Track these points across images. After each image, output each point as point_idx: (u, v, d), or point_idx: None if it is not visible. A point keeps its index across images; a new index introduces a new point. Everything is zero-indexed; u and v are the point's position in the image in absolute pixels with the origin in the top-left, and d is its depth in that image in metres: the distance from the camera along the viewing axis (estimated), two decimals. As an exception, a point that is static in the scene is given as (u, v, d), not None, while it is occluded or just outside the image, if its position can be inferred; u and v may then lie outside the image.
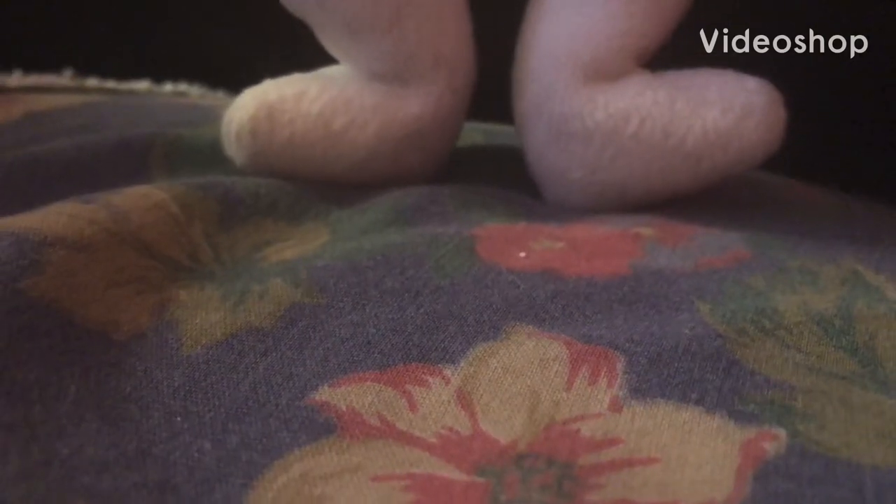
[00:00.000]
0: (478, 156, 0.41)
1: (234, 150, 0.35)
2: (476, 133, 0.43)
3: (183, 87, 0.53)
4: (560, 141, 0.34)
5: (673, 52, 0.36)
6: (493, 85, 0.39)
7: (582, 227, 0.33)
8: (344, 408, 0.23)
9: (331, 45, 0.36)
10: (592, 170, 0.34)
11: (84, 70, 0.53)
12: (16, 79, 0.51)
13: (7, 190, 0.34)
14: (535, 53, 0.35)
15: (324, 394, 0.23)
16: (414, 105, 0.35)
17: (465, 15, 0.36)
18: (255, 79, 0.42)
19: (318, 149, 0.34)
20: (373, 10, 0.33)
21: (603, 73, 0.34)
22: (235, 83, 0.55)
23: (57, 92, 0.50)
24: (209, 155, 0.38)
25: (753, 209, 0.36)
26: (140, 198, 0.31)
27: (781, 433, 0.22)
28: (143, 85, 0.52)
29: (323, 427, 0.22)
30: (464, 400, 0.23)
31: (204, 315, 0.27)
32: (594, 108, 0.33)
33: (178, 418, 0.23)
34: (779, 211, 0.36)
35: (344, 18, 0.34)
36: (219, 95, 0.53)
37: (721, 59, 0.43)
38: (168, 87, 0.53)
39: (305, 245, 0.31)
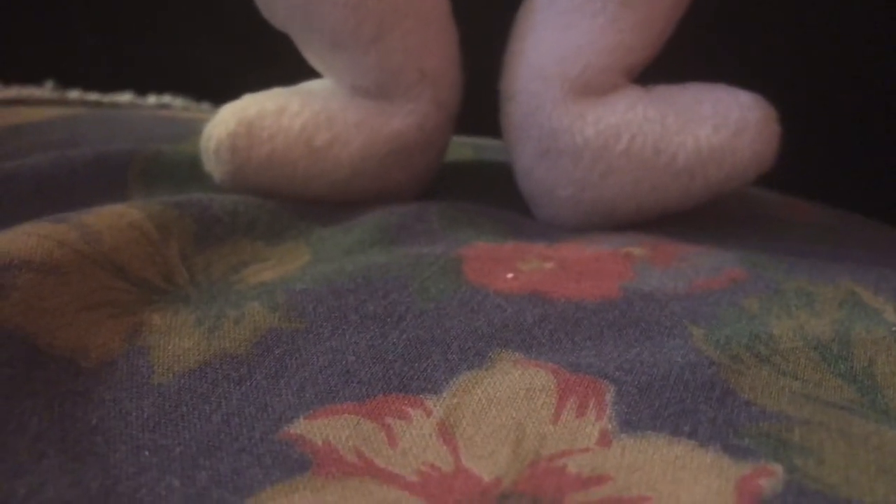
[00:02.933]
0: (466, 171, 0.40)
1: (212, 166, 0.34)
2: (465, 148, 0.42)
3: (166, 99, 0.52)
4: (549, 157, 0.33)
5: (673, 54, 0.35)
6: (482, 98, 0.39)
7: (571, 246, 0.32)
8: (320, 442, 0.22)
9: (314, 60, 0.35)
10: (582, 187, 0.33)
11: (67, 82, 0.52)
12: (-6, 91, 0.50)
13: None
14: (522, 69, 0.34)
15: (299, 427, 0.22)
16: (398, 121, 0.34)
17: (451, 28, 0.35)
18: (239, 90, 0.41)
19: (300, 166, 0.33)
20: (355, 24, 0.32)
21: (592, 88, 0.33)
22: (220, 95, 0.54)
23: (37, 104, 0.49)
24: (188, 171, 0.37)
25: (747, 227, 0.35)
26: (114, 217, 0.29)
27: (778, 469, 0.21)
28: (125, 97, 0.51)
29: (297, 463, 0.21)
30: (446, 433, 0.22)
31: (177, 341, 0.26)
32: (584, 124, 0.32)
33: (147, 452, 0.22)
34: (774, 229, 0.36)
35: (327, 32, 0.33)
36: (203, 107, 0.52)
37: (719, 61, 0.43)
38: (151, 99, 0.52)
39: (285, 266, 0.30)
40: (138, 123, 0.45)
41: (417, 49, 0.34)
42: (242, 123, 0.33)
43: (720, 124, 0.32)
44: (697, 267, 0.30)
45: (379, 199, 0.35)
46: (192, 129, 0.42)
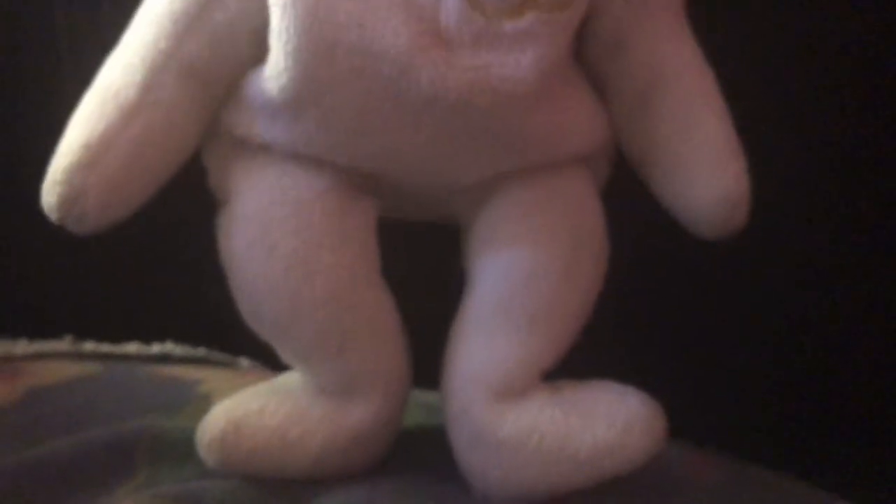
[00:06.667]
0: (416, 441, 0.47)
1: (205, 455, 0.42)
2: (418, 410, 0.50)
3: (169, 346, 0.60)
4: (478, 448, 0.41)
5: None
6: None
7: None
8: None
9: (289, 362, 0.44)
10: (506, 473, 0.41)
11: (82, 333, 0.60)
12: (21, 347, 0.58)
13: (17, 499, 0.40)
14: (455, 372, 0.42)
15: None
16: (356, 415, 0.42)
17: (400, 333, 0.44)
18: (235, 335, 0.48)
19: (276, 456, 0.41)
20: (319, 344, 0.41)
21: (512, 391, 0.41)
22: (218, 339, 0.62)
23: (56, 359, 0.57)
24: (186, 448, 0.44)
25: (648, 495, 0.42)
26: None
27: None
28: (132, 347, 0.59)
29: None
30: None
31: None
32: (503, 423, 0.40)
33: None
34: (674, 496, 0.42)
35: (298, 348, 0.42)
36: (199, 353, 0.60)
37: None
38: (155, 347, 0.60)
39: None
40: (143, 387, 0.53)
41: (372, 357, 0.42)
42: (230, 423, 0.41)
43: (612, 423, 0.40)
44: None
45: (343, 474, 0.43)
46: (188, 397, 0.50)
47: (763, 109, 0.50)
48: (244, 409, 0.42)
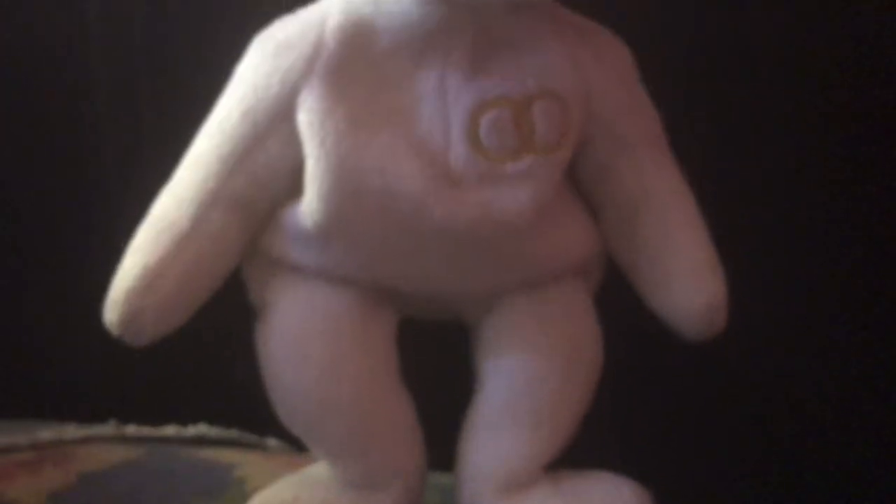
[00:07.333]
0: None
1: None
2: (434, 492, 0.55)
3: (203, 428, 0.65)
4: (488, 539, 0.46)
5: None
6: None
7: None
8: None
9: (317, 455, 0.49)
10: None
11: (125, 416, 0.65)
12: (70, 432, 0.63)
13: None
14: (466, 465, 0.48)
15: None
16: (379, 506, 0.47)
17: (416, 425, 0.49)
18: (262, 413, 0.53)
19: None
20: (346, 443, 0.47)
21: (516, 485, 0.46)
22: (246, 417, 0.67)
23: (102, 443, 0.63)
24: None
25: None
26: None
27: None
28: (170, 430, 0.65)
29: None
30: None
31: None
32: (508, 516, 0.46)
33: None
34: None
35: (324, 445, 0.47)
36: (231, 434, 0.65)
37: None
38: (191, 430, 0.65)
39: None
40: (183, 472, 0.58)
41: (393, 453, 0.47)
42: (267, 513, 0.46)
43: (607, 514, 0.45)
44: None
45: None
46: (225, 482, 0.55)
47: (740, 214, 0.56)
48: (279, 500, 0.47)
